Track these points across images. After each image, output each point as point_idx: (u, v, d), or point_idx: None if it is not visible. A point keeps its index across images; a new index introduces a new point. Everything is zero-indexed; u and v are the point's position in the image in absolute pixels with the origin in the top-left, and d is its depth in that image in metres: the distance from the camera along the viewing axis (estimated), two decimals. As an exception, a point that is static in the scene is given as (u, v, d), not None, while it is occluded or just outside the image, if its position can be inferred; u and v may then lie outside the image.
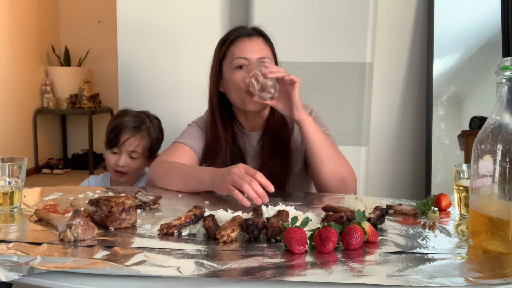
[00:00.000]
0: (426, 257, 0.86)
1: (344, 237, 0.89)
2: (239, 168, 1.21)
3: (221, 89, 1.52)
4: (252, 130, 1.55)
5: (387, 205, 1.16)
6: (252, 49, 1.45)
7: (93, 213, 1.03)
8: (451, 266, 0.82)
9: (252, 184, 1.17)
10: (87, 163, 5.08)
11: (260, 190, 1.17)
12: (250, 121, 1.54)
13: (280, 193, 1.41)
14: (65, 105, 5.10)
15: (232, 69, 1.46)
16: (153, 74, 2.26)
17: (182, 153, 1.50)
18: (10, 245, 0.87)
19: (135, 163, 1.75)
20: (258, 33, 1.50)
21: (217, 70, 1.52)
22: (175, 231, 0.96)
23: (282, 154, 1.51)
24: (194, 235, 0.97)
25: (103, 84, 5.31)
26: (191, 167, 1.45)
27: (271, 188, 1.18)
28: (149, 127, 1.77)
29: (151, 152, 1.78)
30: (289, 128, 1.53)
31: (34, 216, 1.05)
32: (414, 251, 0.89)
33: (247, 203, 1.17)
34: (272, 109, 1.51)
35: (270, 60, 1.47)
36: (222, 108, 1.53)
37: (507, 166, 0.87)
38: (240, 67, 1.45)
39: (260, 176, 1.19)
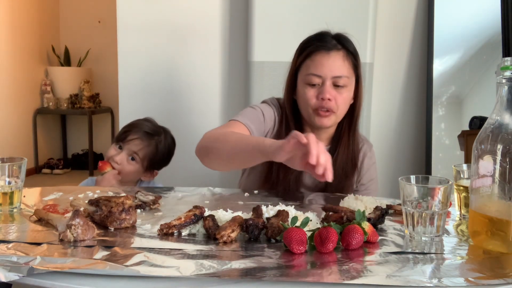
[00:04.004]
0: (426, 257, 0.86)
1: (344, 237, 0.89)
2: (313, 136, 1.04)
3: (294, 96, 1.48)
4: None
5: (387, 205, 1.16)
6: (328, 67, 1.38)
7: (93, 213, 1.03)
8: (451, 266, 0.82)
9: (320, 145, 1.01)
10: (87, 163, 5.08)
11: (322, 158, 1.00)
12: (316, 134, 1.44)
13: (280, 193, 1.41)
14: (65, 105, 5.10)
15: (304, 83, 1.42)
16: (153, 74, 2.26)
17: (237, 130, 1.36)
18: (10, 245, 0.87)
19: (129, 166, 1.70)
20: (340, 44, 1.42)
21: (292, 77, 1.47)
22: (175, 231, 0.96)
23: (346, 175, 1.47)
24: (194, 235, 0.97)
25: (103, 84, 5.30)
26: (247, 135, 1.35)
27: (330, 176, 1.02)
28: (160, 141, 1.73)
29: (151, 165, 1.73)
30: (359, 150, 1.51)
31: (34, 216, 1.05)
32: (414, 251, 0.88)
33: (304, 139, 1.01)
34: (347, 126, 1.48)
35: (347, 78, 1.40)
36: (294, 114, 1.49)
37: (507, 166, 0.87)
38: (312, 84, 1.40)
39: (327, 160, 1.02)
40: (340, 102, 1.40)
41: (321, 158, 1.00)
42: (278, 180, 1.45)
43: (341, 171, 1.46)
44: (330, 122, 1.43)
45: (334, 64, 1.39)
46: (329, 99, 1.38)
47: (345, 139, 1.48)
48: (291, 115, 1.48)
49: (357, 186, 1.54)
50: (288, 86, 1.48)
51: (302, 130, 1.49)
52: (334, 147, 1.50)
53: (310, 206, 1.24)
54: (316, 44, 1.42)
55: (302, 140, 1.01)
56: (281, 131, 1.47)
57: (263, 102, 1.54)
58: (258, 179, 1.50)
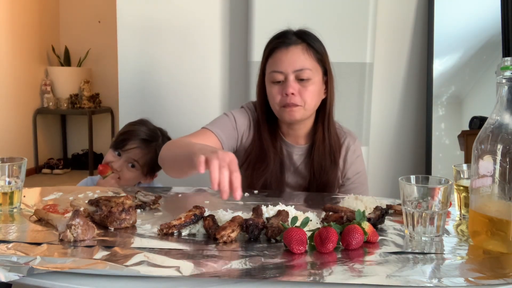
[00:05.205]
0: (426, 257, 0.86)
1: (344, 237, 0.89)
2: (229, 155, 1.01)
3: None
4: (295, 142, 1.50)
5: (387, 205, 1.16)
6: (287, 61, 1.38)
7: (93, 213, 1.03)
8: (451, 266, 0.82)
9: (223, 171, 0.97)
10: (87, 163, 5.08)
11: (225, 183, 0.97)
12: (292, 131, 1.48)
13: (280, 193, 1.41)
14: (65, 105, 5.10)
15: (270, 82, 1.42)
16: (153, 74, 2.26)
17: (205, 140, 1.36)
18: (10, 245, 0.87)
19: (129, 173, 1.70)
20: (300, 39, 1.41)
21: (261, 78, 1.47)
22: (175, 231, 0.96)
23: (325, 170, 1.45)
24: (194, 235, 0.97)
25: (103, 84, 5.31)
26: (193, 142, 1.26)
27: (237, 196, 0.99)
28: (159, 145, 1.70)
29: (151, 170, 1.72)
30: (341, 145, 1.49)
31: (34, 216, 1.05)
32: (414, 251, 0.88)
33: (201, 170, 0.99)
34: (320, 121, 1.46)
35: (309, 71, 1.38)
36: (268, 116, 1.48)
37: (507, 166, 0.87)
38: (277, 81, 1.40)
39: (236, 177, 0.99)
40: (306, 95, 1.39)
41: (223, 183, 0.96)
42: (254, 182, 1.45)
43: (320, 167, 1.46)
44: (299, 114, 1.40)
45: (293, 58, 1.38)
46: (292, 94, 1.37)
47: (320, 135, 1.47)
48: (263, 116, 1.48)
49: (343, 181, 1.52)
50: (259, 88, 1.49)
51: (278, 129, 1.50)
52: (312, 144, 1.50)
53: (310, 206, 1.24)
54: (276, 41, 1.43)
55: (199, 170, 0.99)
56: (256, 133, 1.48)
57: (241, 107, 1.55)
58: (242, 183, 1.50)
